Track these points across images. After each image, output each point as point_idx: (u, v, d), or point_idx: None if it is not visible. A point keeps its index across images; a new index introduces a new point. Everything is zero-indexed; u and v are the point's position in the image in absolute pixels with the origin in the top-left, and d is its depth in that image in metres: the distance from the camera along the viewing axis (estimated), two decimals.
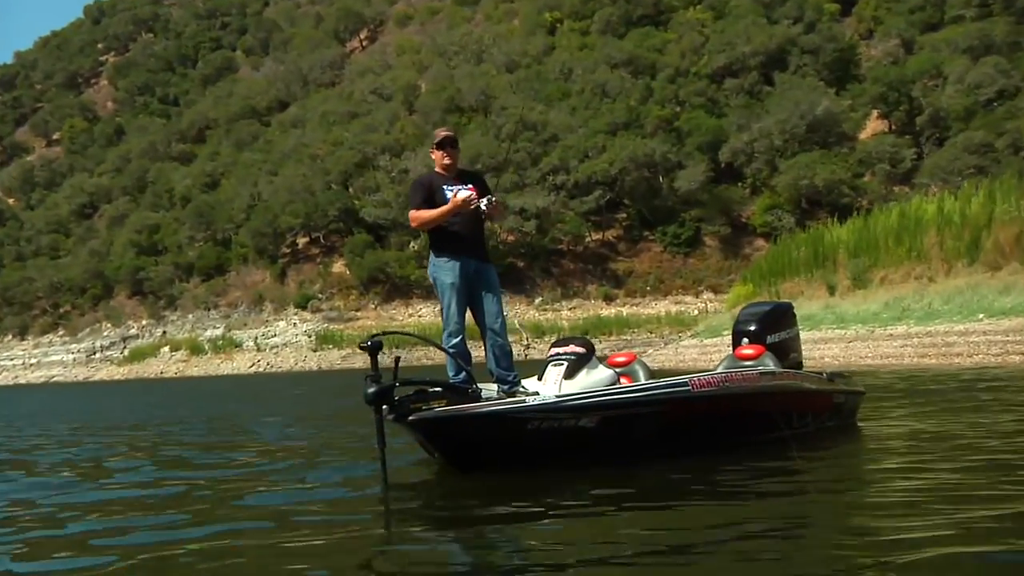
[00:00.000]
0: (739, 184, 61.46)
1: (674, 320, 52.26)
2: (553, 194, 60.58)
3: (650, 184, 61.02)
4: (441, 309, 7.14)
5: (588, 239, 62.41)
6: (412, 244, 62.95)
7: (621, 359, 7.83)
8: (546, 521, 4.85)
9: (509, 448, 6.19)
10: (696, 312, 53.09)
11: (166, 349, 66.79)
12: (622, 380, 7.32)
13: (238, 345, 62.94)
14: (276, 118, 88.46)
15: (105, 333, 74.11)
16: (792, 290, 26.47)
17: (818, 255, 26.60)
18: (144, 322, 73.16)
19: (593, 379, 7.04)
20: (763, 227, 56.52)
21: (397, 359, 6.05)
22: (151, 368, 64.68)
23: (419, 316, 59.81)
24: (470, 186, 7.15)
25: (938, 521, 4.24)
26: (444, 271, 7.04)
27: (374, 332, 6.64)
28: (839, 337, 21.90)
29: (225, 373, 58.16)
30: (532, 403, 6.23)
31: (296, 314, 64.30)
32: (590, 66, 70.26)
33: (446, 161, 7.17)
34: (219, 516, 5.31)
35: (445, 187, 7.10)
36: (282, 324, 63.73)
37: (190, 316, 70.04)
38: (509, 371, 7.12)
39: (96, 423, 15.21)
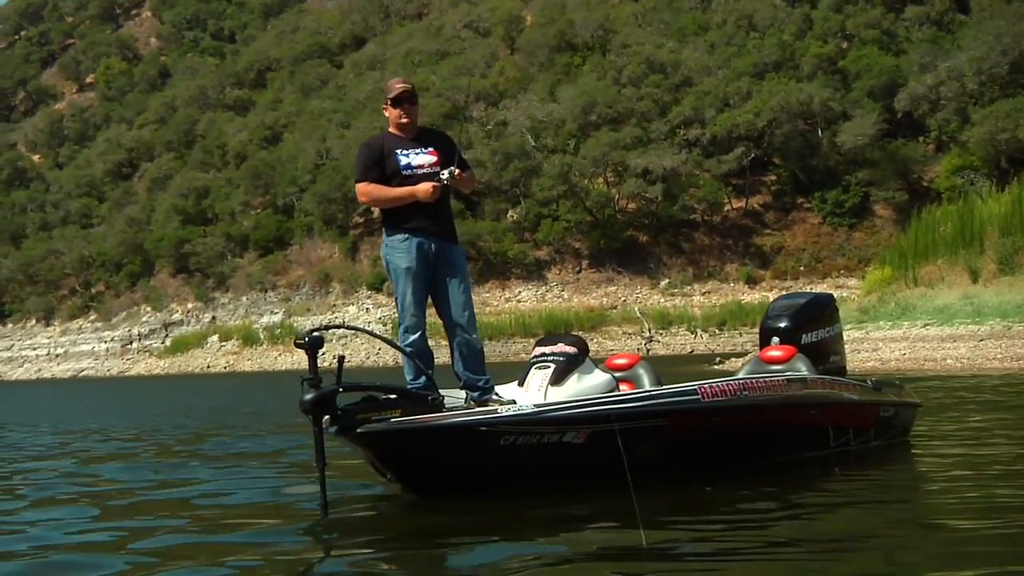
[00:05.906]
0: (920, 139, 61.65)
1: None
2: (685, 152, 61.70)
3: (806, 139, 61.96)
4: (396, 299, 7.33)
5: (727, 207, 63.68)
6: (511, 213, 65.04)
7: (622, 361, 8.19)
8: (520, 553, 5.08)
9: (478, 468, 6.39)
10: None
11: (214, 338, 70.64)
12: (622, 387, 7.59)
13: None
14: (350, 58, 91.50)
15: (144, 318, 78.15)
16: (932, 275, 27.52)
17: (964, 233, 27.39)
18: (190, 306, 76.99)
19: (585, 385, 7.26)
20: (950, 192, 55.96)
21: (340, 359, 6.07)
22: (196, 361, 68.59)
23: (518, 300, 62.15)
24: (431, 149, 7.29)
25: None
26: (398, 252, 7.16)
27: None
28: (970, 334, 23.05)
29: (283, 368, 60.72)
30: (506, 413, 6.38)
31: (369, 297, 67.09)
32: None
33: (403, 120, 7.28)
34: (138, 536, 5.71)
35: (399, 151, 7.21)
36: (352, 309, 66.56)
37: (244, 299, 73.53)
38: (479, 375, 7.28)
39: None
